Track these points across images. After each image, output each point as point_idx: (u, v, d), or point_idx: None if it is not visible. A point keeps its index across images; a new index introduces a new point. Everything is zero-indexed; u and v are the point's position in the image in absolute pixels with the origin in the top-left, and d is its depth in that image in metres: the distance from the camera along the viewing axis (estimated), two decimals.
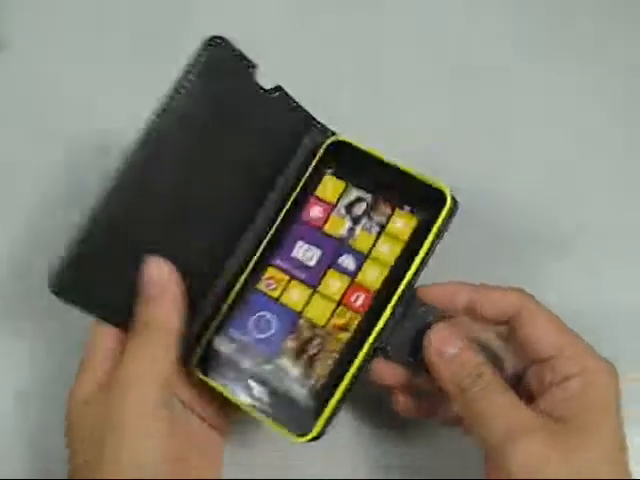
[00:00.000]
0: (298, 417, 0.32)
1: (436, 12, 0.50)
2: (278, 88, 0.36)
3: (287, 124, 0.37)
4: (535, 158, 0.45)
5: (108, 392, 0.32)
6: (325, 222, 0.35)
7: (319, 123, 0.37)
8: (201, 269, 0.35)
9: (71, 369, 0.33)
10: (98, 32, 0.47)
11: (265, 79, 0.35)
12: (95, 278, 0.33)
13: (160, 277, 0.33)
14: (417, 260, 0.33)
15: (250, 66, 0.35)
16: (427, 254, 0.33)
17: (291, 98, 0.37)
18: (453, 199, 0.34)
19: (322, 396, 0.32)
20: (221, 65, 0.34)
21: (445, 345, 0.32)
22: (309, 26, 0.50)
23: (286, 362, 0.33)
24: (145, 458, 0.30)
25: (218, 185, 0.36)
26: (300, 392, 0.33)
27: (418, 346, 0.32)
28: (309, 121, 0.37)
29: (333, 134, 0.37)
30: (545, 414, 0.30)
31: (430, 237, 0.33)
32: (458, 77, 0.48)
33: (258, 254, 0.35)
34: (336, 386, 0.32)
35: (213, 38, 0.34)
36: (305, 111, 0.37)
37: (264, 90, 0.36)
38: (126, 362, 0.32)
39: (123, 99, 0.44)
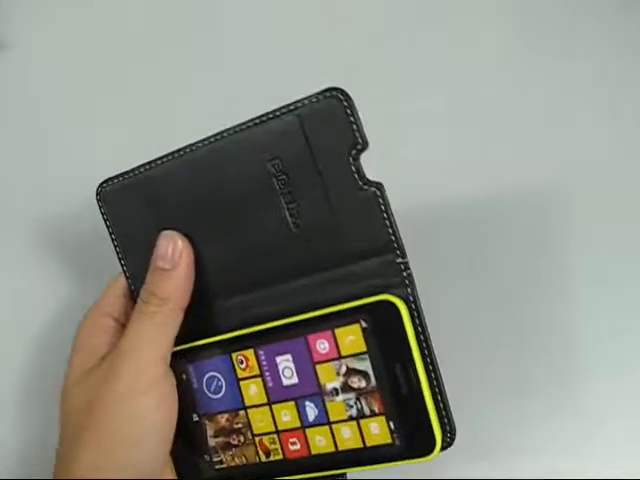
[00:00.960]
0: (195, 470, 0.35)
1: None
2: (379, 185, 0.30)
3: (366, 227, 0.30)
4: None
5: (108, 361, 0.33)
6: (321, 363, 0.31)
7: (399, 252, 0.30)
8: (210, 283, 0.34)
9: None
10: (98, 32, 0.45)
11: None
12: (133, 209, 0.35)
13: (174, 252, 0.33)
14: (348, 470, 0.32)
15: (360, 144, 0.29)
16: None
17: (386, 205, 0.30)
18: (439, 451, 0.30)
19: (215, 476, 0.35)
20: (329, 121, 0.29)
21: None
22: None
23: (210, 429, 0.35)
24: (131, 428, 0.32)
25: (266, 223, 0.32)
26: (203, 458, 0.35)
27: None
28: (390, 245, 0.30)
29: (403, 278, 0.30)
30: None
31: (380, 465, 0.31)
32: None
33: (253, 329, 0.33)
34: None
35: (337, 89, 0.29)
36: (394, 232, 0.30)
37: (362, 177, 0.30)
38: (128, 332, 0.33)
39: (123, 100, 0.43)
